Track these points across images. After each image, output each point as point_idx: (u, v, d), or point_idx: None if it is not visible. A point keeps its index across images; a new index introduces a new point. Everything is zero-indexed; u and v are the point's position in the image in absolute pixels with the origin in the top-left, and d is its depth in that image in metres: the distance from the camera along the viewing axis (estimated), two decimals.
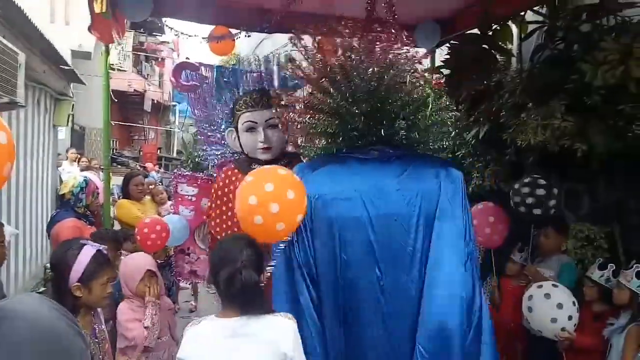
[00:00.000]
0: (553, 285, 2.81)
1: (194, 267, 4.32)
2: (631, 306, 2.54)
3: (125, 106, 18.70)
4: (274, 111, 2.95)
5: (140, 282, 2.73)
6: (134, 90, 18.08)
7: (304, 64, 2.42)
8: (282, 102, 2.60)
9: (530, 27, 3.43)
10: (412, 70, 2.31)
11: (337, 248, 2.15)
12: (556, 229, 3.16)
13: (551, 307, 2.69)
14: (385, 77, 2.23)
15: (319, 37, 2.40)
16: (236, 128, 3.13)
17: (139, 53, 19.70)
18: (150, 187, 5.25)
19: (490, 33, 3.67)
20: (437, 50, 4.75)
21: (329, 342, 2.17)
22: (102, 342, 2.06)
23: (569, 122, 2.74)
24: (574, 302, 2.72)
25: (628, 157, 2.83)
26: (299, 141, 2.62)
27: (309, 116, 2.34)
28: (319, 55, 2.35)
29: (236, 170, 3.12)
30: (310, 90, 2.48)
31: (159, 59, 21.83)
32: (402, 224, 2.15)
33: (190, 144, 21.22)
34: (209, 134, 4.53)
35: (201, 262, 4.36)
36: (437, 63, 4.51)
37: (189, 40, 4.25)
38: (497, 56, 3.72)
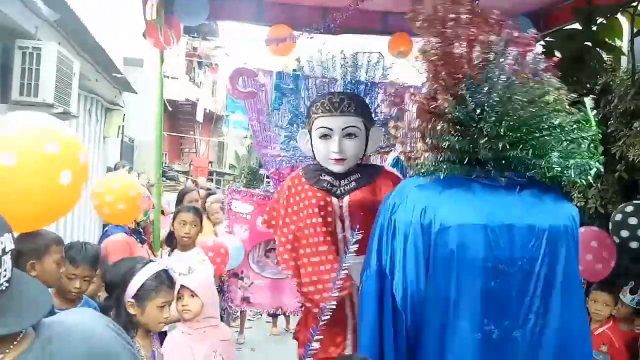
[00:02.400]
0: None
1: (247, 294, 4.40)
2: None
3: (175, 116, 19.59)
4: (353, 119, 2.92)
5: (178, 300, 2.70)
6: (186, 99, 18.91)
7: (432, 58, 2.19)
8: (392, 95, 2.48)
9: None
10: (557, 87, 2.14)
11: (451, 290, 2.03)
12: None
13: None
14: (532, 90, 2.07)
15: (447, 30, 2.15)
16: (310, 132, 3.15)
17: (192, 59, 20.61)
18: (207, 204, 5.45)
19: (594, 28, 3.52)
20: None
21: None
22: None
23: None
24: None
25: None
26: (408, 150, 2.42)
27: (436, 126, 2.14)
28: (455, 50, 2.14)
29: (303, 180, 3.13)
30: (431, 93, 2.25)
31: (213, 65, 22.75)
32: (524, 270, 2.04)
33: (244, 158, 21.90)
34: (265, 144, 4.68)
35: (255, 288, 4.43)
36: None
37: (244, 45, 4.41)
38: (603, 55, 3.55)
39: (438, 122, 2.14)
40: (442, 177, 2.13)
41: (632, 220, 2.97)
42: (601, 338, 3.10)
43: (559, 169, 2.03)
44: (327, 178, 2.94)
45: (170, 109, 14.80)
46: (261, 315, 5.48)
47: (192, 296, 2.56)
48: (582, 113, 2.15)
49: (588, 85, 3.49)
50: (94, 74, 6.00)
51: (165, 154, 18.52)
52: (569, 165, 2.04)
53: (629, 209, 3.02)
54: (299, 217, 2.99)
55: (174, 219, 3.39)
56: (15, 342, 0.87)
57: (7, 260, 0.86)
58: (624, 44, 3.61)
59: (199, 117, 20.31)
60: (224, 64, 20.98)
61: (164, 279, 2.06)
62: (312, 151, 3.10)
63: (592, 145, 2.10)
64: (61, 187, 1.71)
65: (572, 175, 2.03)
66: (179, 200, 4.55)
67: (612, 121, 3.10)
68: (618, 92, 3.17)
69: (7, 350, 0.86)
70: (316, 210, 2.89)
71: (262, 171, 16.03)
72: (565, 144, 2.08)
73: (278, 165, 4.09)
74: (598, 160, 2.07)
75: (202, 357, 2.46)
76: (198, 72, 21.97)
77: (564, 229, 2.07)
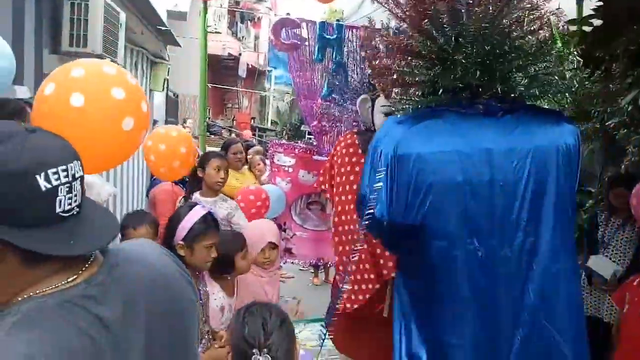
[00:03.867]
0: None
1: (289, 245, 4.51)
2: None
3: (219, 71, 19.66)
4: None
5: (260, 252, 2.85)
6: (229, 54, 18.92)
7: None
8: (372, 42, 2.56)
9: None
10: (532, 8, 2.19)
11: (430, 214, 2.13)
12: None
13: None
14: (499, 17, 2.13)
15: None
16: (372, 100, 3.12)
17: (235, 10, 20.47)
18: (249, 156, 5.53)
19: None
20: None
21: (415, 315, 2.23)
22: (205, 305, 2.24)
23: None
24: None
25: None
26: (391, 92, 2.57)
27: (404, 62, 2.26)
28: None
29: (357, 142, 3.16)
30: (408, 32, 2.37)
31: (256, 19, 22.58)
32: (507, 190, 2.13)
33: (285, 113, 21.94)
34: (308, 96, 4.67)
35: (297, 239, 4.54)
36: (586, 12, 4.16)
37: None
38: None
39: (409, 59, 2.25)
40: (417, 111, 2.23)
41: None
42: None
43: (522, 89, 2.15)
44: None
45: (209, 64, 14.88)
46: (302, 267, 5.58)
47: (272, 248, 2.89)
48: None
49: None
50: (139, 26, 6.05)
51: (209, 109, 18.75)
52: (534, 85, 2.17)
53: None
54: (349, 180, 3.07)
55: (203, 165, 3.35)
56: (86, 266, 0.92)
57: (77, 185, 0.89)
58: None
59: (242, 72, 20.34)
60: (266, 18, 20.78)
61: (210, 222, 2.17)
62: (372, 120, 3.08)
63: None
64: (123, 132, 1.75)
65: (537, 94, 2.19)
66: (225, 150, 4.62)
67: None
68: None
69: (80, 272, 0.90)
70: None
71: (303, 127, 16.09)
72: (532, 66, 2.19)
73: (321, 117, 4.10)
74: (572, 78, 2.10)
75: (273, 298, 2.79)
76: (241, 27, 21.87)
77: (555, 149, 2.13)
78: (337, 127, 4.47)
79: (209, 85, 6.99)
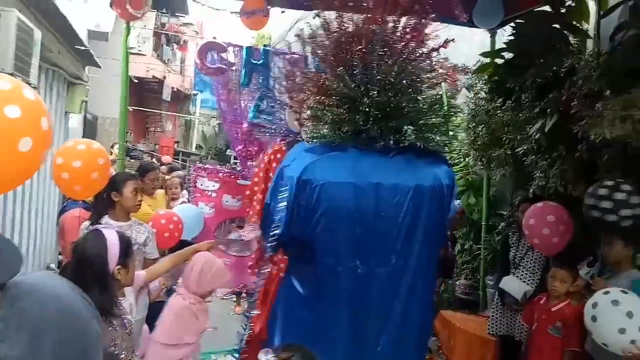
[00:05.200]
0: (622, 291, 2.71)
1: None
2: None
3: (142, 94, 19.17)
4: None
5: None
6: (153, 76, 18.50)
7: (326, 42, 2.71)
8: (296, 81, 2.88)
9: (612, 2, 3.34)
10: (430, 70, 2.69)
11: (324, 235, 2.55)
12: (624, 239, 3.02)
13: (619, 316, 2.60)
14: (403, 73, 2.58)
15: (342, 19, 2.67)
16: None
17: (161, 32, 20.11)
18: (167, 177, 5.36)
19: (563, 10, 3.59)
20: (499, 31, 4.70)
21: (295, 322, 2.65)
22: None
23: None
24: None
25: None
26: (305, 123, 2.92)
27: (318, 99, 2.66)
28: (341, 39, 2.63)
29: (284, 149, 3.23)
30: (325, 74, 2.71)
31: (182, 42, 22.30)
32: (387, 220, 2.56)
33: (211, 137, 21.64)
34: (235, 124, 4.63)
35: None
36: (499, 45, 4.45)
37: (214, 23, 4.38)
38: (570, 37, 3.63)
39: (322, 97, 2.65)
40: (324, 144, 2.66)
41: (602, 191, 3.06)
42: (558, 314, 3.22)
43: (412, 139, 2.66)
44: None
45: (132, 87, 14.47)
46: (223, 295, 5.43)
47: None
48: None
49: (555, 68, 3.57)
50: (56, 45, 5.80)
51: (130, 132, 18.15)
52: (419, 139, 2.68)
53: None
54: None
55: (118, 187, 3.15)
56: None
57: None
58: (590, 26, 3.70)
59: (166, 95, 19.91)
60: (193, 41, 20.58)
61: (124, 236, 2.19)
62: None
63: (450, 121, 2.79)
64: (20, 153, 1.64)
65: (421, 145, 2.68)
66: (141, 174, 4.32)
67: (576, 102, 3.17)
68: (583, 74, 3.24)
69: None
70: None
71: (229, 151, 15.92)
72: (422, 120, 2.71)
73: (246, 141, 4.08)
74: (450, 133, 2.79)
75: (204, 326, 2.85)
76: (166, 49, 21.50)
77: (430, 189, 2.63)
78: (263, 152, 4.47)
79: (130, 108, 6.76)
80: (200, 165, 5.14)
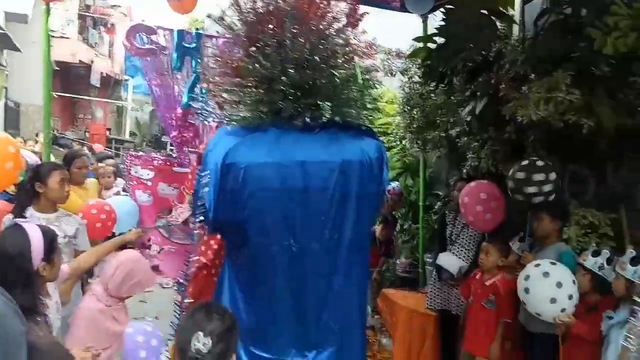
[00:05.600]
0: (551, 263, 2.88)
1: (155, 262, 4.23)
2: (628, 297, 2.59)
3: (68, 79, 18.26)
4: None
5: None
6: (79, 60, 17.64)
7: (239, 25, 2.67)
8: (211, 65, 2.81)
9: None
10: (344, 45, 2.69)
11: (253, 216, 2.55)
12: (551, 214, 3.19)
13: (550, 286, 2.77)
14: (317, 50, 2.56)
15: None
16: None
17: (86, 15, 19.17)
18: (100, 164, 5.15)
19: None
20: (430, 16, 4.78)
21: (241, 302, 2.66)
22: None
23: (575, 95, 2.79)
24: (574, 281, 2.80)
25: (639, 136, 2.91)
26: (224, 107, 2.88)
27: (234, 81, 2.64)
28: (253, 19, 2.59)
29: None
30: (241, 55, 2.68)
31: (109, 25, 21.34)
32: (318, 196, 2.57)
33: (145, 124, 20.98)
34: (168, 110, 4.49)
35: (165, 254, 4.27)
36: (430, 31, 4.53)
37: (143, 5, 4.22)
38: (497, 23, 3.75)
39: (238, 79, 2.63)
40: (244, 126, 2.62)
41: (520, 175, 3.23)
42: (491, 288, 3.38)
43: (330, 114, 2.61)
44: None
45: (58, 71, 13.76)
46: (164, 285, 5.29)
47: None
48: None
49: (483, 52, 3.68)
50: None
51: (58, 120, 17.28)
52: (336, 114, 2.63)
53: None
54: None
55: (42, 178, 2.98)
56: None
57: None
58: (515, 12, 3.83)
59: (95, 80, 19.06)
60: (121, 24, 19.72)
61: (48, 230, 2.10)
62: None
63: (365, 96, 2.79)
64: None
65: (340, 119, 2.64)
66: (67, 163, 3.97)
67: (504, 85, 3.29)
68: (509, 58, 3.36)
69: None
70: None
71: (164, 138, 15.48)
72: (339, 96, 2.67)
73: (181, 127, 3.97)
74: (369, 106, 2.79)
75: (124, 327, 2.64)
76: (93, 32, 20.51)
77: (358, 164, 2.64)
78: (199, 138, 4.36)
79: (55, 94, 6.43)
80: (133, 153, 4.96)
